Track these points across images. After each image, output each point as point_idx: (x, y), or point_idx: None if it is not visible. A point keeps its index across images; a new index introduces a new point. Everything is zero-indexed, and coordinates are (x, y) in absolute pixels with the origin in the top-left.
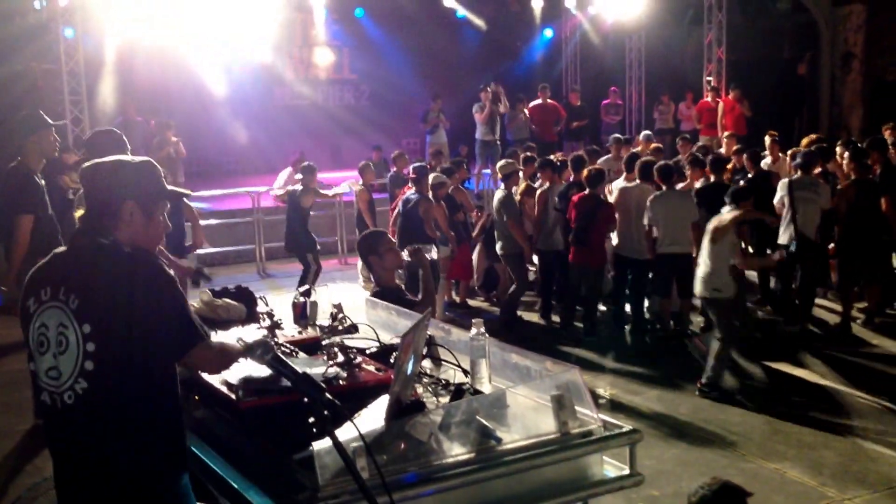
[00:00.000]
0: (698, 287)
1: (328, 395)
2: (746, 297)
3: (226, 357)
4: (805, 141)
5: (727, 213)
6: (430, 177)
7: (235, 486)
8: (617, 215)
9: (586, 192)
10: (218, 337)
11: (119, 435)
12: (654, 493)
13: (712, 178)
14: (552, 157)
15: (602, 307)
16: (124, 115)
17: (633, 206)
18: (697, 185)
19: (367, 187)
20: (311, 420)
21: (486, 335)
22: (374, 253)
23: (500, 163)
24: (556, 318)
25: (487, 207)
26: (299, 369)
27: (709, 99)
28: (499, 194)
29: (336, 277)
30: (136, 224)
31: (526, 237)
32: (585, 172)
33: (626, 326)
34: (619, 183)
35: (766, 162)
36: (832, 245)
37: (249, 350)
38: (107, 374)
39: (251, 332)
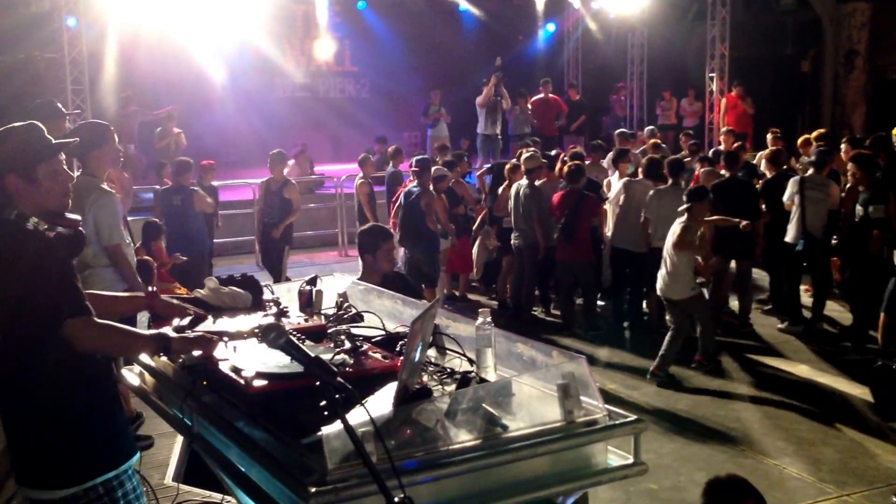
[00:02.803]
0: (674, 291)
1: (340, 379)
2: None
3: (101, 338)
4: (815, 134)
5: (683, 221)
6: (431, 169)
7: (244, 470)
8: (613, 210)
9: (567, 188)
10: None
11: (27, 385)
12: (653, 487)
13: (727, 174)
14: (554, 152)
15: (601, 301)
16: (124, 108)
17: (629, 201)
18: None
19: (367, 180)
20: (323, 403)
21: (492, 324)
22: (370, 252)
23: (525, 156)
24: (555, 312)
25: (487, 201)
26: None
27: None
28: (524, 188)
29: (335, 270)
30: (24, 193)
31: (545, 234)
32: (565, 168)
33: (625, 321)
34: (615, 178)
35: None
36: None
37: (262, 334)
38: (2, 339)
39: (259, 319)
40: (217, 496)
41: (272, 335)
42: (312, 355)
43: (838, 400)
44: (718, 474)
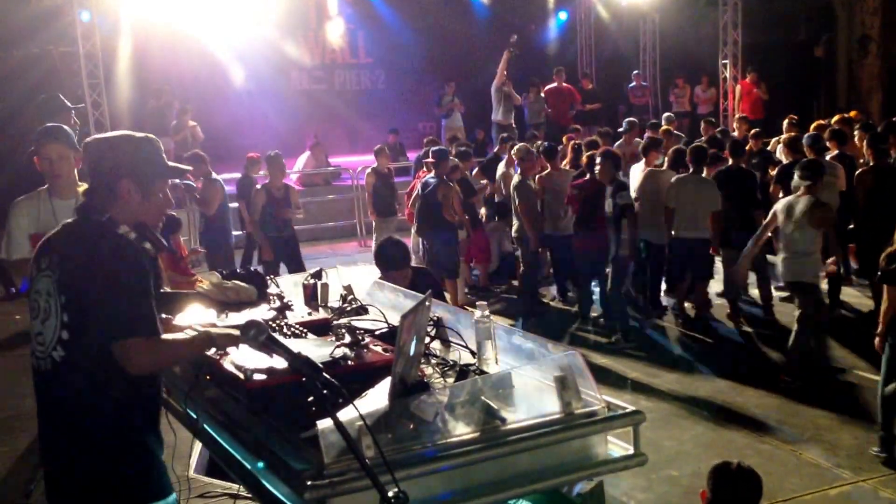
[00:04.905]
0: (799, 274)
1: (326, 375)
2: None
3: (153, 356)
4: (836, 117)
5: (808, 199)
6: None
7: (245, 463)
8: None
9: (587, 177)
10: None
11: (93, 403)
12: (674, 474)
13: (730, 162)
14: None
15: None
16: (157, 99)
17: (656, 192)
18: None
19: (374, 171)
20: (311, 400)
21: (491, 317)
22: (383, 271)
23: (515, 148)
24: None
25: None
26: (301, 350)
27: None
28: (514, 179)
29: (357, 260)
30: (132, 202)
31: (533, 225)
32: (585, 158)
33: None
34: (641, 167)
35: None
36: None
37: (243, 332)
38: (78, 345)
39: (260, 314)
40: (234, 486)
41: (252, 332)
42: (296, 352)
43: (855, 386)
44: (728, 460)
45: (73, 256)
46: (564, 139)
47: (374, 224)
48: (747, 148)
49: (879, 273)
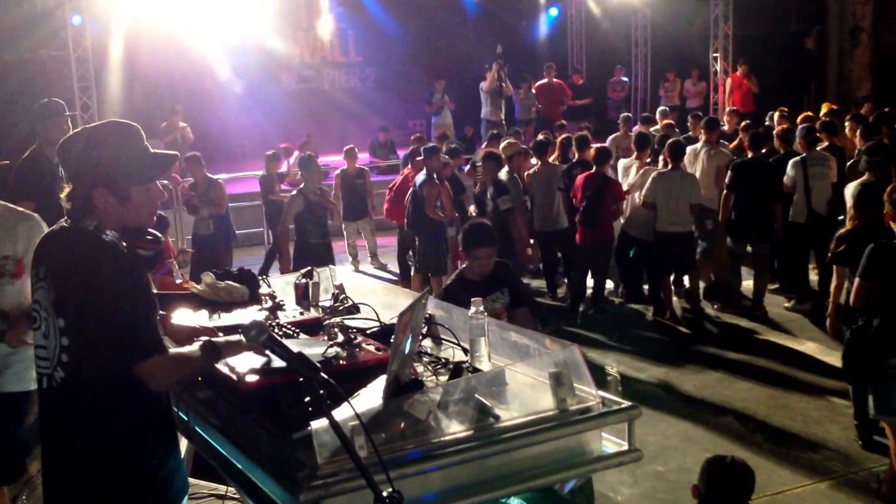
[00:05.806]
0: None
1: (323, 375)
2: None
3: (173, 373)
4: (824, 108)
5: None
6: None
7: (238, 465)
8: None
9: (593, 170)
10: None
11: (95, 426)
12: (659, 469)
13: (749, 154)
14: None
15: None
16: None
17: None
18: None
19: (342, 173)
20: (307, 399)
21: (485, 313)
22: (467, 252)
23: (503, 143)
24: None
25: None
26: (295, 349)
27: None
28: (503, 176)
29: (342, 259)
30: (111, 210)
31: (524, 224)
32: (592, 151)
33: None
34: (632, 163)
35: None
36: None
37: (244, 332)
38: (79, 369)
39: (251, 314)
40: (223, 488)
41: (253, 332)
42: (295, 351)
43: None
44: (722, 454)
45: (66, 274)
46: (542, 135)
47: (342, 227)
48: (736, 143)
49: (830, 255)
